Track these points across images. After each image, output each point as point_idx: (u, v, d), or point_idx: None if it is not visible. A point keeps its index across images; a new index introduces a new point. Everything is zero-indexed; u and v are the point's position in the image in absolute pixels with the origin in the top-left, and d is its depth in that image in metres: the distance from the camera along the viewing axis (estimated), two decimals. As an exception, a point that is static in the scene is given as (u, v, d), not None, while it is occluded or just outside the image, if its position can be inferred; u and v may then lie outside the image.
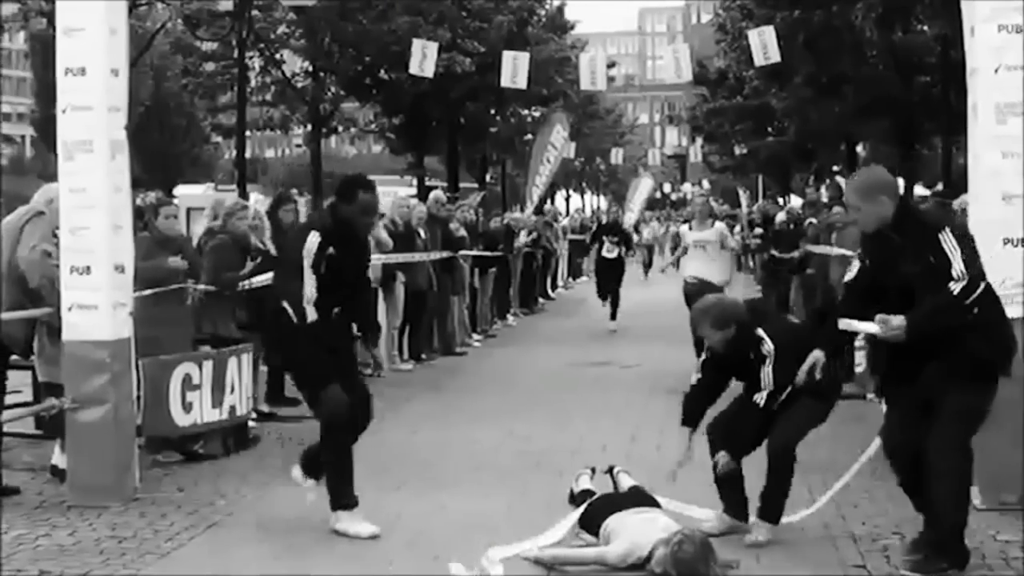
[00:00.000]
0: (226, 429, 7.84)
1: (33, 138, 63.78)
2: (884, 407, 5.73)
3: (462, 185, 34.45)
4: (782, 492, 5.70)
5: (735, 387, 5.97)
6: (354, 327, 6.56)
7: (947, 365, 4.94)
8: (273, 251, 9.06)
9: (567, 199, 65.56)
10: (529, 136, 33.33)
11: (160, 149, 46.21)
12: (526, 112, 35.77)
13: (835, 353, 5.56)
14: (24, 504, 6.60)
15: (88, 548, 5.74)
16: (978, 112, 6.23)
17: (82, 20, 6.54)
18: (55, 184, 6.89)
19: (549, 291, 22.93)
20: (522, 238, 18.29)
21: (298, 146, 62.52)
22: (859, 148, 37.61)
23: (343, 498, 5.92)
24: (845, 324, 5.20)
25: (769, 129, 41.19)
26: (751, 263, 26.00)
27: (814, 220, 13.21)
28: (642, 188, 31.02)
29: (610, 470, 6.46)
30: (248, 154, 35.28)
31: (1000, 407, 5.26)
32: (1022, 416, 5.84)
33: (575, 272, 28.03)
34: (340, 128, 36.22)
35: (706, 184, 62.56)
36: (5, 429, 7.14)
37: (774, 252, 15.51)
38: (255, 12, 28.27)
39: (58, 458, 7.08)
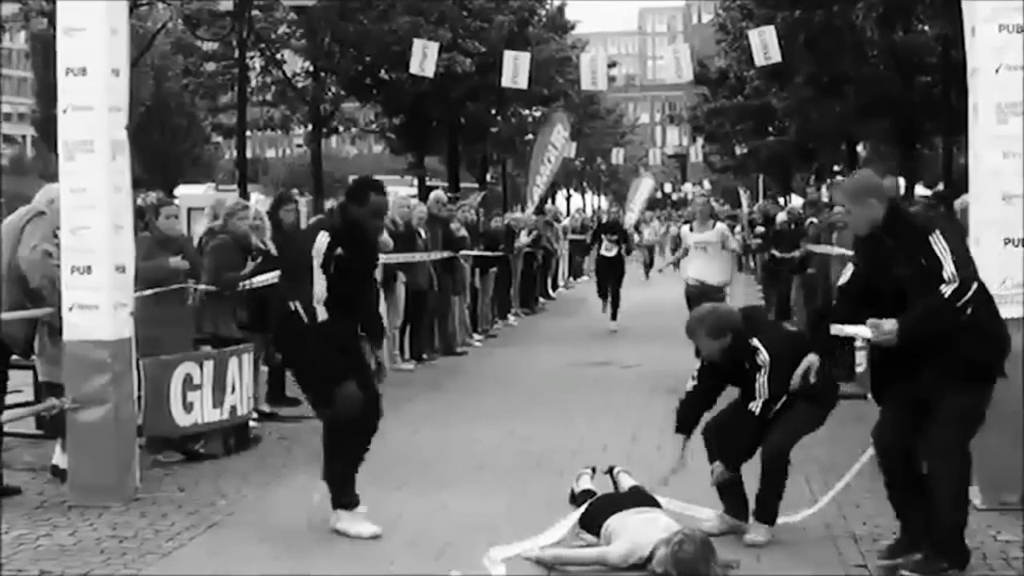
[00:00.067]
0: (227, 429, 7.84)
1: (34, 138, 63.81)
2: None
3: (463, 185, 34.47)
4: (776, 494, 5.71)
5: (733, 388, 5.97)
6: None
7: (942, 367, 4.94)
8: (274, 251, 9.07)
9: (568, 199, 65.57)
10: (530, 136, 33.34)
11: (161, 149, 46.23)
12: (527, 112, 35.77)
13: (828, 355, 5.56)
14: (25, 504, 6.60)
15: (89, 548, 5.75)
16: (979, 112, 6.23)
17: (83, 20, 6.54)
18: (56, 184, 6.89)
19: (550, 291, 22.93)
20: (523, 238, 18.29)
21: (299, 146, 62.50)
22: (860, 148, 37.62)
23: (344, 497, 5.93)
24: (837, 329, 5.20)
25: (770, 129, 41.18)
26: (752, 263, 26.00)
27: (815, 220, 13.21)
28: (643, 188, 31.07)
29: (610, 470, 6.46)
30: (249, 154, 35.27)
31: (1000, 408, 5.26)
32: (1022, 416, 5.84)
33: (576, 272, 28.04)
34: (341, 128, 36.19)
35: (707, 184, 62.57)
36: (6, 429, 7.14)
37: (775, 252, 15.52)
38: (256, 12, 28.26)
39: (59, 458, 7.08)
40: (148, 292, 7.55)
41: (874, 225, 5.12)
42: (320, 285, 5.63)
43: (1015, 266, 6.06)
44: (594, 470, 6.50)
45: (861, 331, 5.05)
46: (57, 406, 6.63)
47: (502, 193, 43.42)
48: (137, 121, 29.53)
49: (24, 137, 73.72)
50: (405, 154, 37.34)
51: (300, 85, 31.89)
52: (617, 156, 55.40)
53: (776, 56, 12.34)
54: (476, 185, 36.05)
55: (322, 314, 5.61)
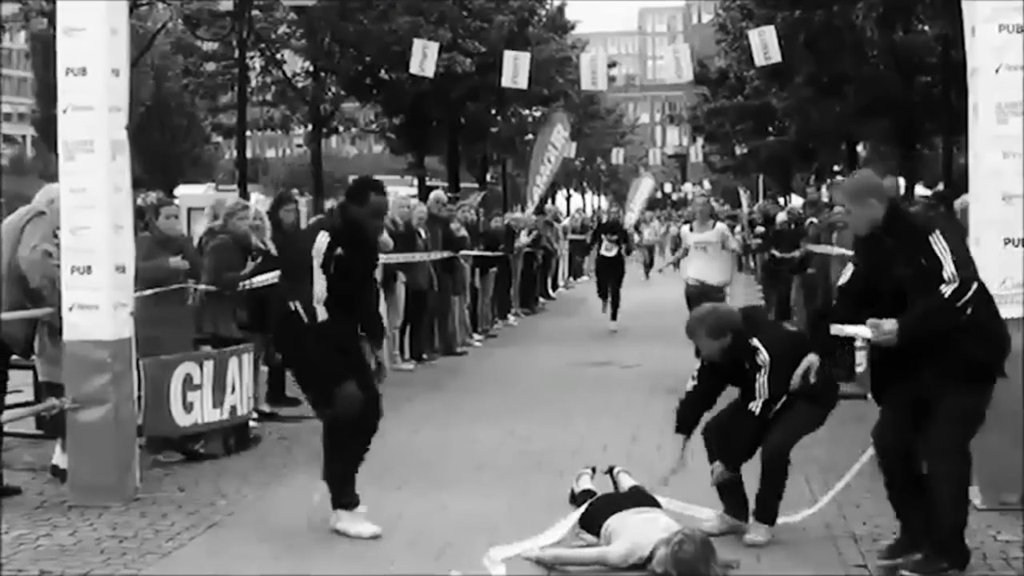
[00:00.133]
0: (227, 429, 7.84)
1: (34, 138, 63.81)
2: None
3: (463, 185, 34.47)
4: (776, 494, 5.71)
5: (733, 388, 5.97)
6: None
7: (942, 367, 4.94)
8: (274, 251, 9.07)
9: (568, 199, 65.57)
10: (530, 136, 33.34)
11: (161, 149, 46.23)
12: (527, 112, 35.77)
13: (828, 355, 5.56)
14: (25, 504, 6.60)
15: (89, 548, 5.75)
16: (979, 112, 6.23)
17: (83, 20, 6.54)
18: (56, 184, 6.89)
19: (550, 291, 22.93)
20: (523, 238, 18.29)
21: (299, 146, 62.51)
22: (860, 148, 37.62)
23: (344, 497, 5.93)
24: (837, 329, 5.20)
25: (770, 129, 41.18)
26: (752, 263, 26.00)
27: (815, 220, 13.21)
28: (643, 188, 31.07)
29: (610, 470, 6.46)
30: (249, 154, 35.26)
31: (1000, 408, 5.26)
32: (1022, 416, 5.84)
33: (576, 272, 28.04)
34: (341, 128, 36.19)
35: (707, 184, 62.57)
36: (6, 429, 7.14)
37: (775, 252, 15.52)
38: (256, 12, 28.25)
39: (59, 458, 7.08)
40: (148, 292, 7.55)
41: (874, 225, 5.12)
42: (320, 285, 5.62)
43: (1015, 266, 6.06)
44: (594, 470, 6.50)
45: (861, 331, 5.05)
46: (57, 406, 6.63)
47: (502, 193, 43.42)
48: (137, 121, 29.53)
49: (24, 137, 73.72)
50: (405, 154, 37.35)
51: (300, 85, 31.89)
52: (617, 156, 55.40)
53: (776, 56, 12.34)
54: (476, 185, 36.05)
55: (322, 314, 5.61)
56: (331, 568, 5.43)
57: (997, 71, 6.13)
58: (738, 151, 45.72)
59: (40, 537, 5.93)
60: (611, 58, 45.14)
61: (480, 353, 13.97)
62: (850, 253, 6.03)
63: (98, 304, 6.52)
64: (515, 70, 13.32)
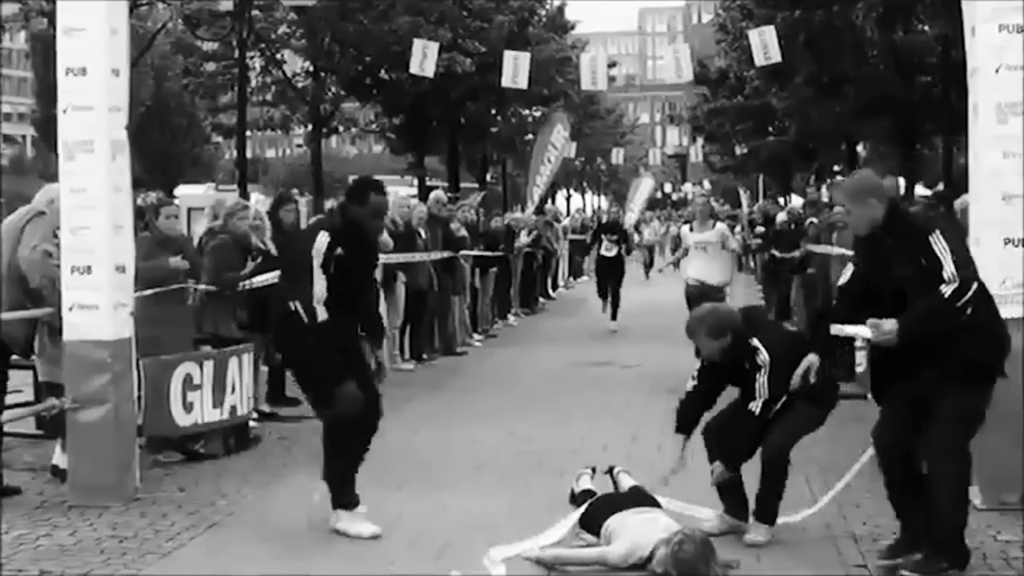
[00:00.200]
0: (227, 429, 7.84)
1: (34, 138, 63.81)
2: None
3: (463, 185, 34.47)
4: (776, 494, 5.71)
5: (733, 388, 5.97)
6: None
7: (942, 367, 4.94)
8: (274, 251, 9.07)
9: (568, 199, 65.57)
10: (530, 136, 33.34)
11: (161, 149, 46.23)
12: (527, 112, 35.77)
13: (828, 355, 5.56)
14: (25, 504, 6.60)
15: (89, 548, 5.75)
16: (979, 112, 6.23)
17: (83, 20, 6.54)
18: (56, 184, 6.89)
19: (550, 291, 22.93)
20: (523, 238, 18.29)
21: (299, 146, 62.51)
22: (860, 148, 37.61)
23: (344, 497, 5.93)
24: (837, 329, 5.20)
25: (770, 129, 41.19)
26: (752, 263, 26.00)
27: (815, 220, 13.21)
28: (643, 188, 31.07)
29: (610, 470, 6.46)
30: (249, 154, 35.26)
31: (1000, 408, 5.26)
32: (1022, 416, 5.84)
33: (576, 272, 28.04)
34: (341, 128, 36.20)
35: (707, 184, 62.58)
36: (6, 429, 7.14)
37: (775, 252, 15.52)
38: (255, 12, 28.26)
39: (59, 458, 7.08)
40: (148, 292, 7.55)
41: (874, 225, 5.12)
42: (320, 285, 5.62)
43: (1015, 266, 6.06)
44: (594, 470, 6.50)
45: (861, 331, 5.05)
46: (57, 406, 6.63)
47: (502, 193, 43.42)
48: (137, 121, 29.52)
49: (24, 137, 73.72)
50: (405, 154, 37.35)
51: (300, 85, 31.90)
52: (617, 156, 55.40)
53: (776, 56, 12.34)
54: (476, 185, 36.05)
55: (322, 314, 5.61)
56: (331, 568, 5.43)
57: (997, 71, 6.13)
58: (738, 151, 45.71)
59: (40, 537, 5.93)
60: (611, 58, 45.15)
61: (480, 353, 13.97)
62: (850, 253, 6.03)
63: (98, 304, 6.52)
64: (515, 70, 13.32)
